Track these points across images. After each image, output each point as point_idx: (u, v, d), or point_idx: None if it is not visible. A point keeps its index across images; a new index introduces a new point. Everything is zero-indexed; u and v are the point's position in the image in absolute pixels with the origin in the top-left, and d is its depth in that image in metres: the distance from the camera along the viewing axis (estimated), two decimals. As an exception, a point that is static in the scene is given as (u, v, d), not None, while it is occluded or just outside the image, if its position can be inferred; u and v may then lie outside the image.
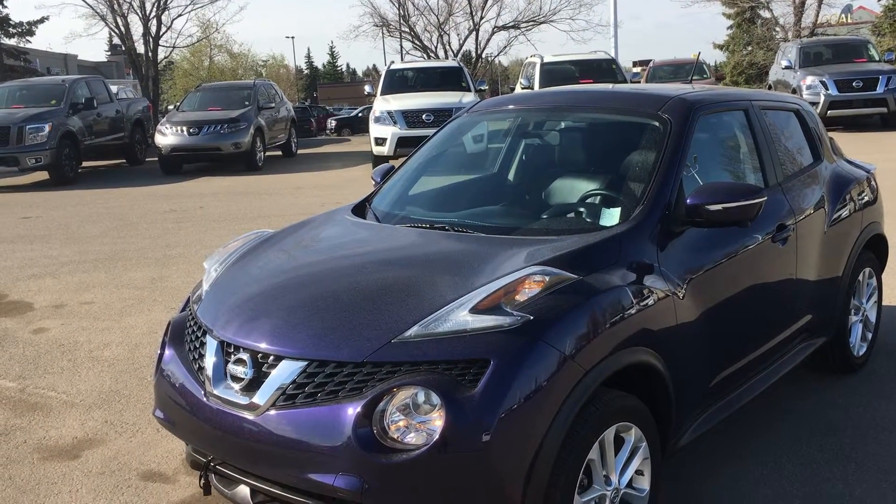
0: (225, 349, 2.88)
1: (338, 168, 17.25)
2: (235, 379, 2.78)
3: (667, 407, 3.09)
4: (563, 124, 4.23)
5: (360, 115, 38.13)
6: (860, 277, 4.62)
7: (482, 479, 2.50)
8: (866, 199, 4.70)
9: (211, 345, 2.93)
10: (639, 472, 3.02)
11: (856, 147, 11.74)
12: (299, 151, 20.77)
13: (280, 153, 19.67)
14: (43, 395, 4.93)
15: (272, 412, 2.64)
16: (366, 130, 20.84)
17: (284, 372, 2.67)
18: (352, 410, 2.52)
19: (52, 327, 6.29)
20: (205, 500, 3.36)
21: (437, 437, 2.45)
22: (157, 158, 17.28)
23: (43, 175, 15.92)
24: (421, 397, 2.51)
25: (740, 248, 3.54)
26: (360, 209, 3.97)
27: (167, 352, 3.13)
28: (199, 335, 3.04)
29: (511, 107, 4.54)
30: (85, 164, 17.40)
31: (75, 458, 4.06)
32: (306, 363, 2.65)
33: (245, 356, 2.78)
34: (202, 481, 2.93)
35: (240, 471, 2.79)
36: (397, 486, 2.48)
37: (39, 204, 13.23)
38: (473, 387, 2.50)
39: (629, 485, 2.97)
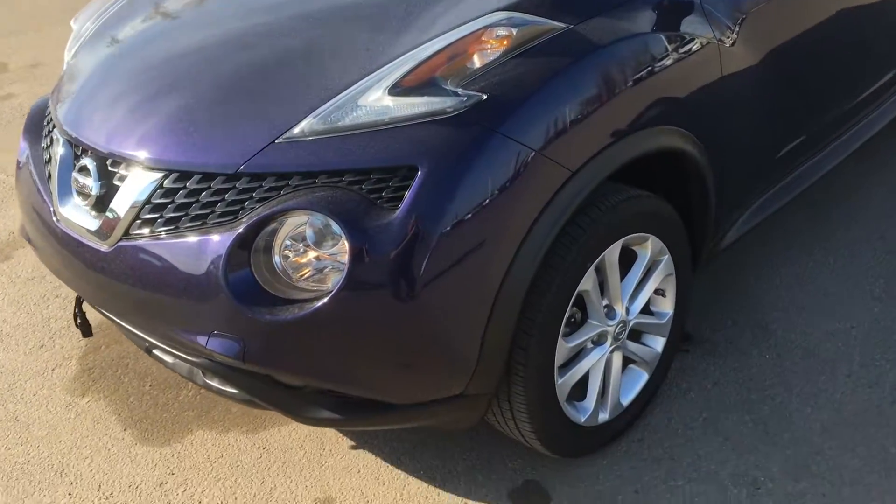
0: (75, 151, 2.07)
1: None
2: (83, 194, 1.99)
3: (704, 207, 2.22)
4: None
5: None
6: None
7: (412, 338, 1.74)
8: None
9: (58, 143, 2.12)
10: (659, 292, 2.22)
11: None
12: None
13: None
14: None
15: (126, 243, 1.86)
16: None
17: (136, 185, 1.86)
18: (222, 245, 1.73)
19: None
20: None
21: (340, 285, 1.66)
22: None
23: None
24: (317, 226, 1.70)
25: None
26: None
27: (21, 145, 2.34)
28: (51, 129, 2.22)
29: None
30: None
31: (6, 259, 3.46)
32: (163, 174, 1.83)
33: (90, 162, 1.97)
34: (77, 320, 2.26)
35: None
36: (290, 350, 1.74)
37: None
38: (393, 209, 1.66)
39: (645, 309, 2.19)
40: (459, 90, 1.73)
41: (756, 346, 2.50)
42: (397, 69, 1.77)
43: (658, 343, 2.25)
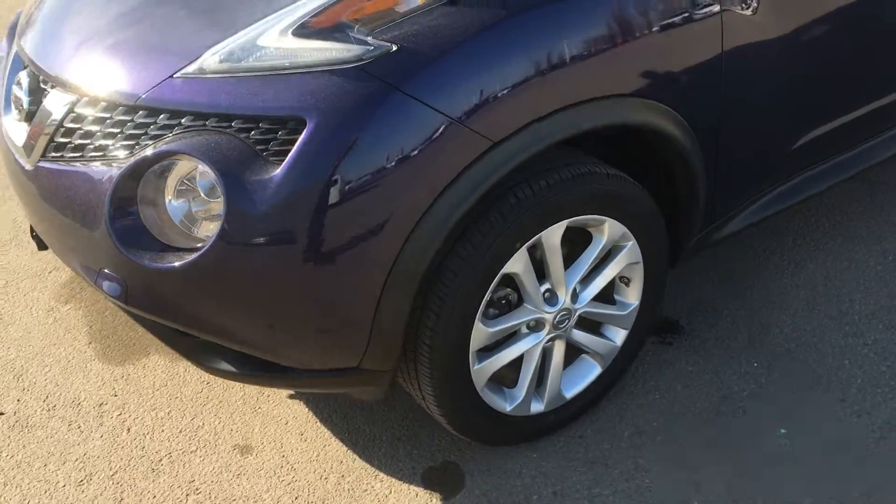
0: (23, 62, 2.03)
1: None
2: (18, 106, 1.95)
3: (690, 195, 1.96)
4: None
5: None
6: None
7: (290, 303, 1.62)
8: None
9: (13, 53, 2.09)
10: (624, 280, 2.00)
11: None
12: None
13: None
14: None
15: (43, 164, 1.82)
16: None
17: (53, 105, 1.80)
18: (111, 181, 1.65)
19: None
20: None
21: (214, 238, 1.56)
22: None
23: None
24: (206, 173, 1.58)
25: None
26: None
27: (2, 46, 2.32)
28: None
29: None
30: None
31: None
32: (75, 98, 1.76)
33: (24, 75, 1.93)
34: (32, 232, 2.25)
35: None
36: (171, 298, 1.66)
37: None
38: (277, 163, 1.53)
39: (603, 298, 1.98)
40: (370, 38, 1.55)
41: (748, 350, 2.23)
42: (304, 7, 1.61)
43: (618, 335, 2.03)
